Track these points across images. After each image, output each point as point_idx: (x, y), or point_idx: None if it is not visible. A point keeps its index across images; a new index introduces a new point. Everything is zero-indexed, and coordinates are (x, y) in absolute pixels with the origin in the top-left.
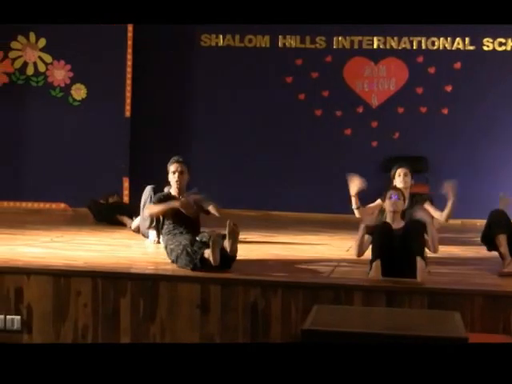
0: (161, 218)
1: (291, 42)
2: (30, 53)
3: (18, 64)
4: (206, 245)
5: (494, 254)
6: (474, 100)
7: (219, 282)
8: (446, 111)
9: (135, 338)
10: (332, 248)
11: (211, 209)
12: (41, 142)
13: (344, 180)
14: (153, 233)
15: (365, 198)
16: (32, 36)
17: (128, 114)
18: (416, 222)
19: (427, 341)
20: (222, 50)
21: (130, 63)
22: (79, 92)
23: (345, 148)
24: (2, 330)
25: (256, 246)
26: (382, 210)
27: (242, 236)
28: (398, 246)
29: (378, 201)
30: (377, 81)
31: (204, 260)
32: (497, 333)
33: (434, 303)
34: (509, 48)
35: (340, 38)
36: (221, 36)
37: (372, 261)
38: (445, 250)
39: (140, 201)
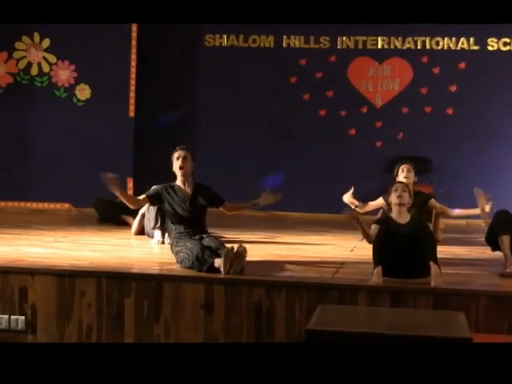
0: (163, 218)
1: (295, 42)
2: (35, 53)
3: (22, 64)
4: (215, 253)
5: (499, 254)
6: (479, 100)
7: (223, 282)
8: (450, 111)
9: (139, 338)
10: (336, 248)
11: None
12: (45, 142)
13: (348, 180)
14: (158, 233)
15: (368, 197)
16: (36, 36)
17: (132, 114)
18: (422, 222)
19: (431, 341)
20: (226, 50)
21: (134, 63)
22: (83, 92)
23: (349, 148)
24: (7, 329)
25: (260, 246)
26: (384, 212)
27: (245, 236)
28: (405, 248)
29: (380, 199)
30: (381, 81)
31: (212, 268)
32: (501, 333)
33: (438, 303)
34: None
35: (344, 38)
36: (225, 36)
37: (374, 263)
38: (449, 251)
39: None
